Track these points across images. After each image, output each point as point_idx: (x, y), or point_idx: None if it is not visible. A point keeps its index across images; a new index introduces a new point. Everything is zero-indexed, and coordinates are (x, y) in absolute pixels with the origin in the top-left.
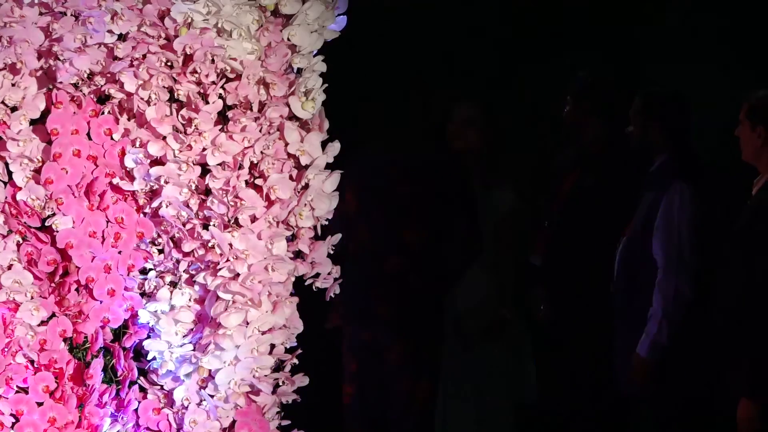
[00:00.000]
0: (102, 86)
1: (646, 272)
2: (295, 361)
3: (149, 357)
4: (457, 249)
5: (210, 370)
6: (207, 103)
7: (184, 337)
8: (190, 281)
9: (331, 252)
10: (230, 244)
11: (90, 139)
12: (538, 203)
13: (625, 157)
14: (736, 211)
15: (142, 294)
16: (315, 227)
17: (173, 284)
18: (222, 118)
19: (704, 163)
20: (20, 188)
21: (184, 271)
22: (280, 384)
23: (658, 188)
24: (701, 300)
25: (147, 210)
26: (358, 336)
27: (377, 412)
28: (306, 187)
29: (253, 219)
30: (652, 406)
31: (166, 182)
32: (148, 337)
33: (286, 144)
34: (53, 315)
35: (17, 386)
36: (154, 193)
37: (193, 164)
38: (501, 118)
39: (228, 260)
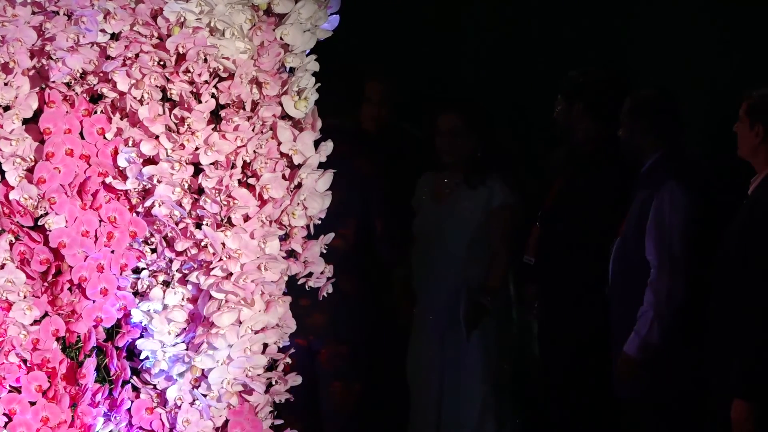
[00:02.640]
0: (95, 85)
1: (639, 273)
2: (288, 360)
3: (142, 356)
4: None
5: (203, 370)
6: (200, 102)
7: (176, 336)
8: (183, 280)
9: (324, 251)
10: (223, 244)
11: (83, 138)
12: (530, 201)
13: (617, 156)
14: (731, 210)
15: (135, 293)
16: (308, 226)
17: (166, 283)
18: (215, 118)
19: (700, 160)
20: (13, 187)
21: (177, 271)
22: (273, 383)
23: (650, 188)
24: (694, 299)
25: (140, 209)
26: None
27: (307, 412)
28: (299, 186)
29: (246, 218)
30: (646, 407)
31: (159, 181)
32: (141, 336)
33: (279, 143)
34: (46, 314)
35: (10, 386)
36: (146, 193)
37: (186, 163)
38: (490, 120)
39: (221, 259)
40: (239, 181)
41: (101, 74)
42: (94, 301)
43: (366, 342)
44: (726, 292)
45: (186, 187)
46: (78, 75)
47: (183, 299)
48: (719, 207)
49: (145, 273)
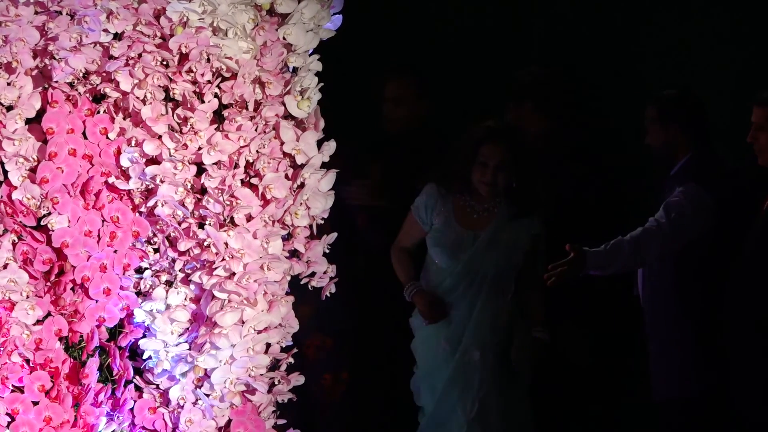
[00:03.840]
0: (97, 85)
1: (669, 275)
2: (291, 360)
3: (145, 356)
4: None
5: (206, 369)
6: (202, 102)
7: (179, 336)
8: (186, 280)
9: (327, 251)
10: (226, 243)
11: (85, 138)
12: None
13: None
14: (752, 215)
15: (138, 293)
16: (311, 226)
17: (169, 283)
18: (217, 117)
19: (726, 163)
20: (16, 187)
21: (179, 270)
22: (276, 383)
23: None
24: (719, 303)
25: (143, 209)
26: None
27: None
28: (302, 186)
29: (249, 218)
30: (682, 412)
31: (162, 181)
32: (144, 336)
33: (282, 143)
34: (49, 314)
35: (13, 385)
36: (149, 192)
37: (189, 163)
38: (531, 151)
39: (224, 259)
40: (242, 180)
41: (104, 74)
42: (96, 301)
43: (352, 334)
44: (745, 295)
45: (189, 186)
46: (81, 75)
47: (186, 299)
48: (742, 210)
49: (147, 273)
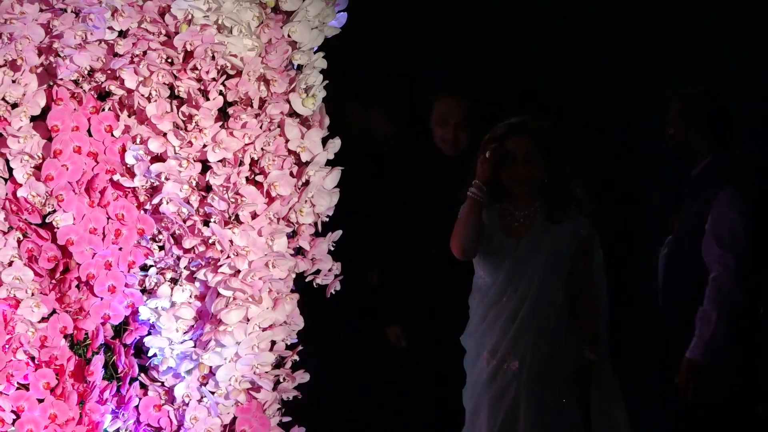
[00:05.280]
0: (102, 83)
1: (696, 278)
2: (296, 357)
3: (150, 354)
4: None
5: (211, 367)
6: (207, 99)
7: (184, 333)
8: (191, 278)
9: (332, 248)
10: (231, 241)
11: (90, 135)
12: None
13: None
14: None
15: (143, 291)
16: (316, 224)
17: (174, 281)
18: (222, 115)
19: (752, 163)
20: (21, 185)
21: (184, 268)
22: (281, 380)
23: (705, 194)
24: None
25: (147, 207)
26: None
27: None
28: (306, 183)
29: (254, 215)
30: (715, 413)
31: (167, 179)
32: (149, 333)
33: (287, 140)
34: (54, 312)
35: (18, 383)
36: (154, 190)
37: (194, 161)
38: (561, 142)
39: (229, 257)
40: (247, 178)
41: (109, 71)
42: (101, 299)
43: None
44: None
45: (194, 184)
46: (86, 72)
47: (191, 296)
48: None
49: (152, 270)
